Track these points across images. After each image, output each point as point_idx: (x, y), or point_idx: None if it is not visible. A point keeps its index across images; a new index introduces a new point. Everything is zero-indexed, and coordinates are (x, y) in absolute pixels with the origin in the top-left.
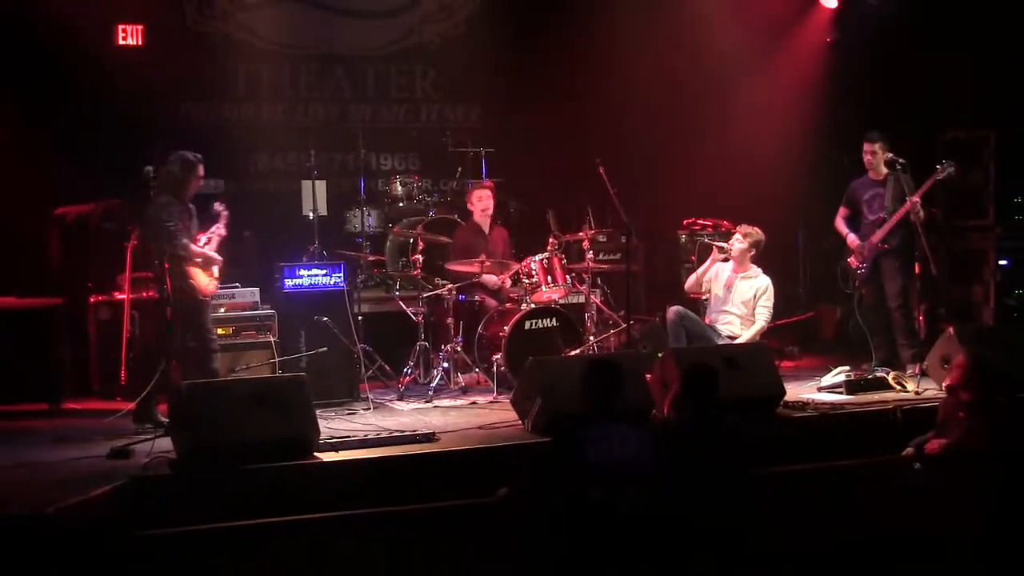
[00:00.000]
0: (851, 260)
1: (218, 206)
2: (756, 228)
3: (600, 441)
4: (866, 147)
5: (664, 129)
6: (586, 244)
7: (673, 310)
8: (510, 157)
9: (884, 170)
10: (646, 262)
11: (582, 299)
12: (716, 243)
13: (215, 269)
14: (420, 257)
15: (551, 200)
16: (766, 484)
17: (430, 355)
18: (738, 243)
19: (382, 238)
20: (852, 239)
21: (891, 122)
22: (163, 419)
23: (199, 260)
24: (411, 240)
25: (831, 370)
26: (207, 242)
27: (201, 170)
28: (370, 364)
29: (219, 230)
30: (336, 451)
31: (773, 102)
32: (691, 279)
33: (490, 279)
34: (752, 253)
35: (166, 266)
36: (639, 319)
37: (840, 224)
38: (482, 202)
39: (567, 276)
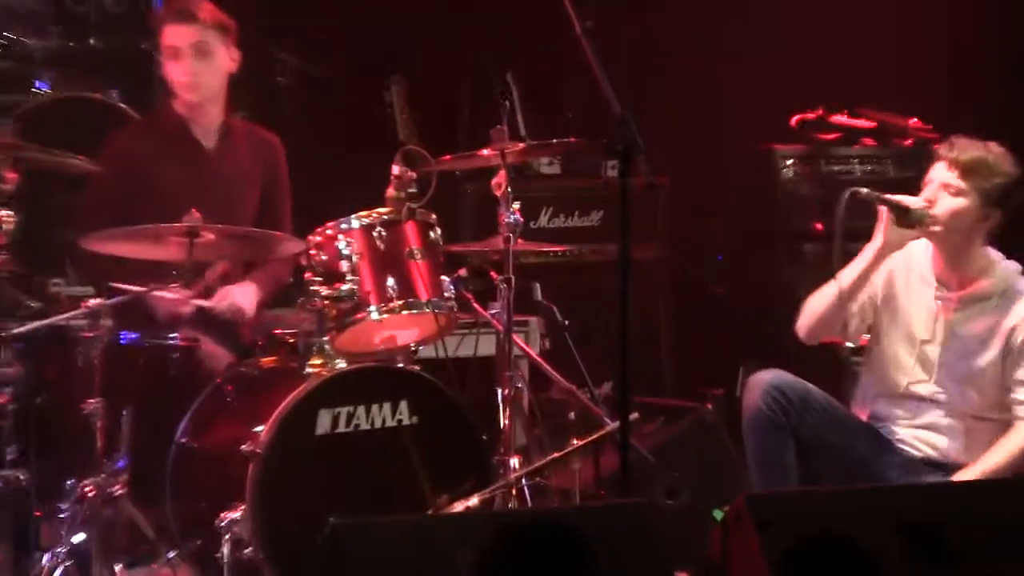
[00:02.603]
0: None
1: None
2: (993, 146)
3: None
4: None
5: None
6: (500, 185)
7: (764, 385)
8: None
9: None
10: (679, 238)
11: (492, 347)
12: (889, 197)
13: None
14: (7, 217)
15: (398, 59)
16: None
17: (29, 510)
18: (949, 188)
19: None
20: None
21: None
22: None
23: None
24: None
25: None
26: None
27: None
28: None
29: None
30: None
31: None
32: (819, 305)
33: (167, 301)
34: (989, 220)
35: None
36: (655, 405)
37: None
38: (189, 65)
39: (444, 279)
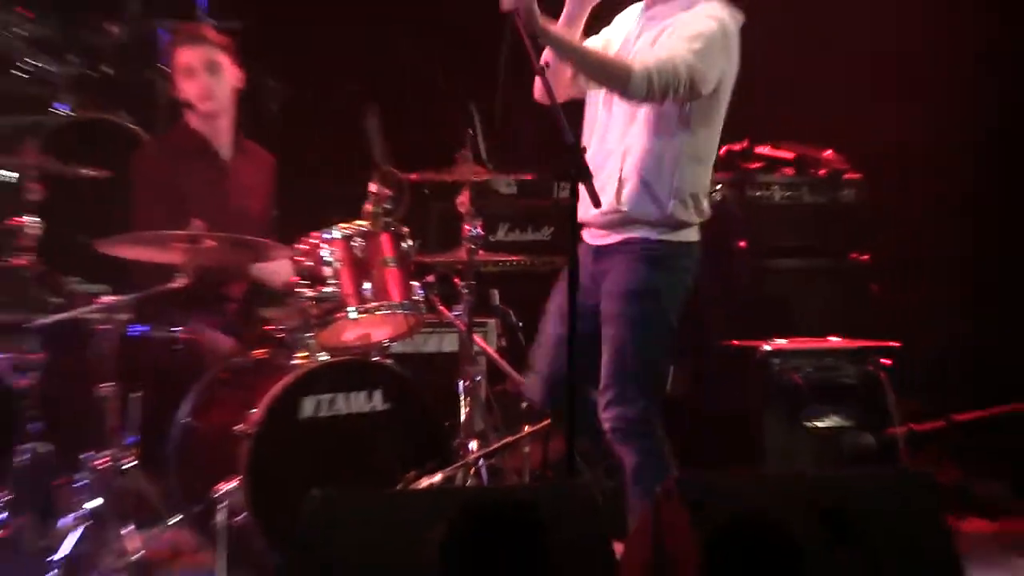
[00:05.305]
0: None
1: None
2: None
3: None
4: None
5: None
6: (464, 203)
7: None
8: None
9: None
10: None
11: (454, 344)
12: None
13: None
14: (33, 223)
15: (375, 89)
16: None
17: (50, 479)
18: None
19: None
20: None
21: None
22: None
23: None
24: (13, 177)
25: None
26: None
27: None
28: None
29: None
30: None
31: None
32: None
33: (278, 269)
34: None
35: None
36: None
37: None
38: (203, 78)
39: (413, 285)
